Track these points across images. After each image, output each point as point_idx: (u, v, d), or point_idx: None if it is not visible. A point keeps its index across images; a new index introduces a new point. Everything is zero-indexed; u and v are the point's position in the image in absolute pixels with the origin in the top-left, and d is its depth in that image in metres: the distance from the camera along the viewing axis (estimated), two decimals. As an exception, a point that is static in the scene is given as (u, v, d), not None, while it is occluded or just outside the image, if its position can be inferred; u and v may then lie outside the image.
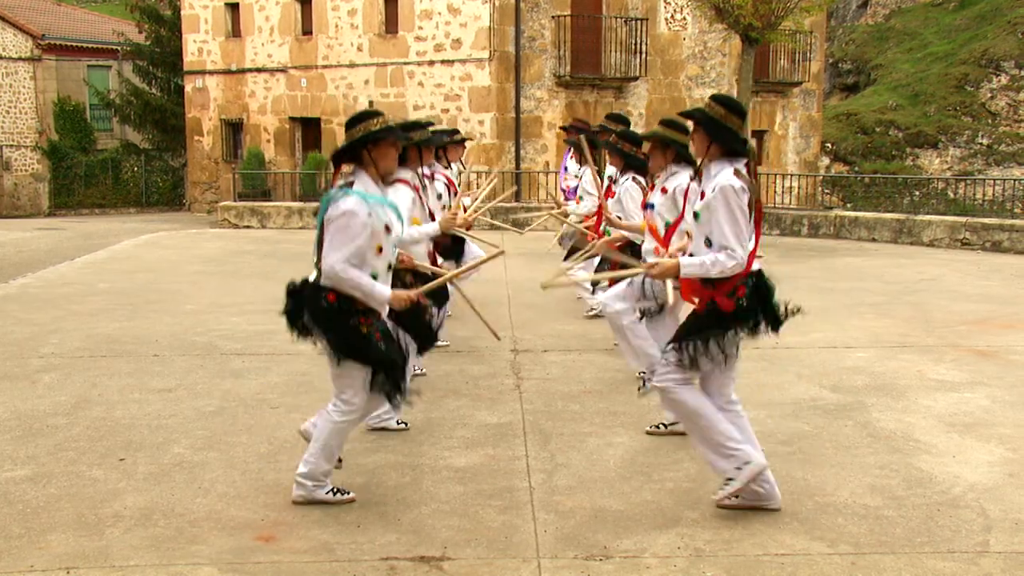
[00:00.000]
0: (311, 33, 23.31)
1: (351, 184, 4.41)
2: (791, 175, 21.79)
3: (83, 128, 31.79)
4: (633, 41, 21.18)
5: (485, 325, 5.30)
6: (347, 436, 4.75)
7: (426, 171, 6.64)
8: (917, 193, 21.68)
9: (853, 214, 16.98)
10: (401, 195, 5.51)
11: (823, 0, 15.86)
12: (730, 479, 4.42)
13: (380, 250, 4.42)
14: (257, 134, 24.77)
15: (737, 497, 4.46)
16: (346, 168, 4.55)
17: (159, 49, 28.21)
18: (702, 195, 4.43)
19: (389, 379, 4.48)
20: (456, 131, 9.54)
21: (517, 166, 20.31)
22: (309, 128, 24.00)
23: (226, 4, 24.83)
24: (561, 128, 9.05)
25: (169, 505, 4.59)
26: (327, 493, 4.59)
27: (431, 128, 7.11)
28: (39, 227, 22.77)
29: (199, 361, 7.49)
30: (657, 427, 5.72)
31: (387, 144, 4.45)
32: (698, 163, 4.53)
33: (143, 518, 4.43)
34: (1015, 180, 21.70)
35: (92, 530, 4.30)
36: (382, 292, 4.42)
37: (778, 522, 4.40)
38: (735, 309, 4.41)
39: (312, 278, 4.46)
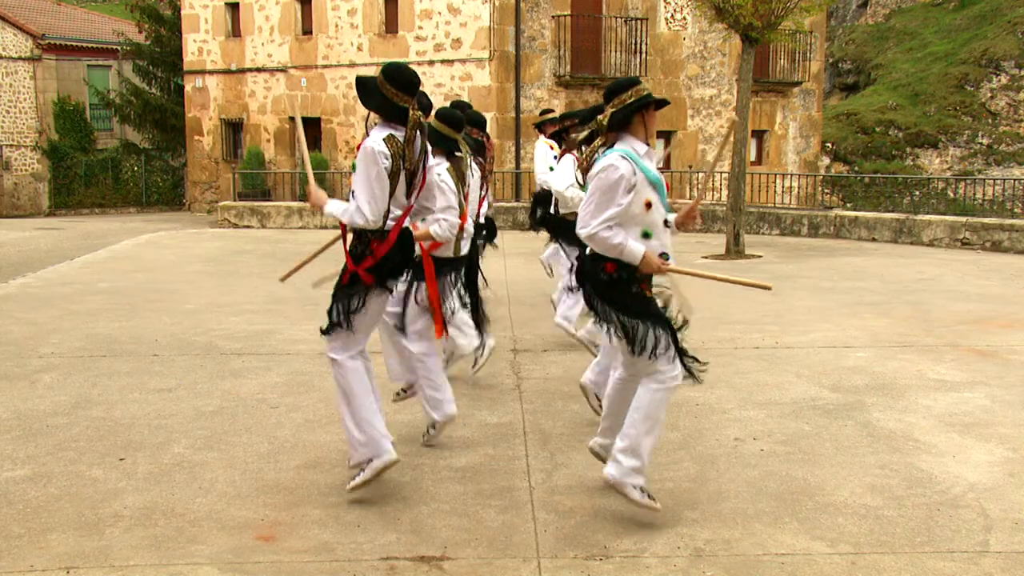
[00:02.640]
0: (311, 33, 23.32)
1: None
2: (791, 175, 21.81)
3: (83, 128, 31.79)
4: (633, 41, 21.19)
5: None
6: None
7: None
8: (917, 193, 21.69)
9: (853, 214, 16.98)
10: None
11: (823, 0, 15.84)
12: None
13: (649, 205, 4.31)
14: (257, 134, 24.77)
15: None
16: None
17: (159, 49, 28.21)
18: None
19: (675, 341, 4.36)
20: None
21: (517, 166, 20.32)
22: (309, 128, 24.00)
23: (226, 4, 24.84)
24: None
25: (169, 505, 4.59)
26: (636, 491, 4.30)
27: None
28: (39, 227, 22.77)
29: (199, 361, 7.49)
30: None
31: (652, 109, 4.42)
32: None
33: (143, 518, 4.43)
34: (1015, 180, 21.71)
35: (92, 530, 4.30)
36: (635, 250, 4.26)
37: (778, 522, 4.40)
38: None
39: (588, 250, 4.41)
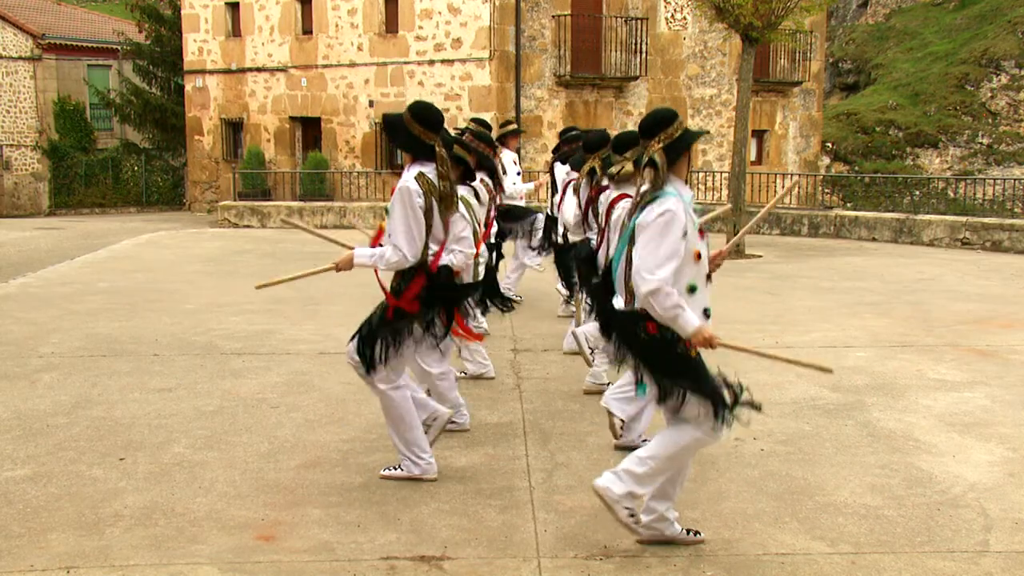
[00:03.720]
0: (311, 32, 23.31)
1: (661, 187, 3.94)
2: (791, 174, 21.80)
3: (83, 127, 31.79)
4: (633, 41, 21.18)
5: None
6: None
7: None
8: (917, 193, 21.69)
9: (853, 214, 16.97)
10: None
11: (823, 0, 15.83)
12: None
13: (698, 257, 3.94)
14: (257, 133, 24.77)
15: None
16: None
17: (159, 48, 28.20)
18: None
19: (722, 403, 3.97)
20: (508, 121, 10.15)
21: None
22: (309, 128, 24.00)
23: (226, 3, 24.83)
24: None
25: (169, 504, 4.59)
26: (625, 511, 4.01)
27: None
28: (39, 226, 22.77)
29: (199, 360, 7.49)
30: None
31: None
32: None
33: (143, 517, 4.43)
34: (1015, 180, 21.70)
35: (92, 529, 4.30)
36: (689, 322, 3.83)
37: (778, 522, 4.40)
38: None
39: (620, 303, 4.05)
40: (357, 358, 4.76)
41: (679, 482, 4.14)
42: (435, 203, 4.65)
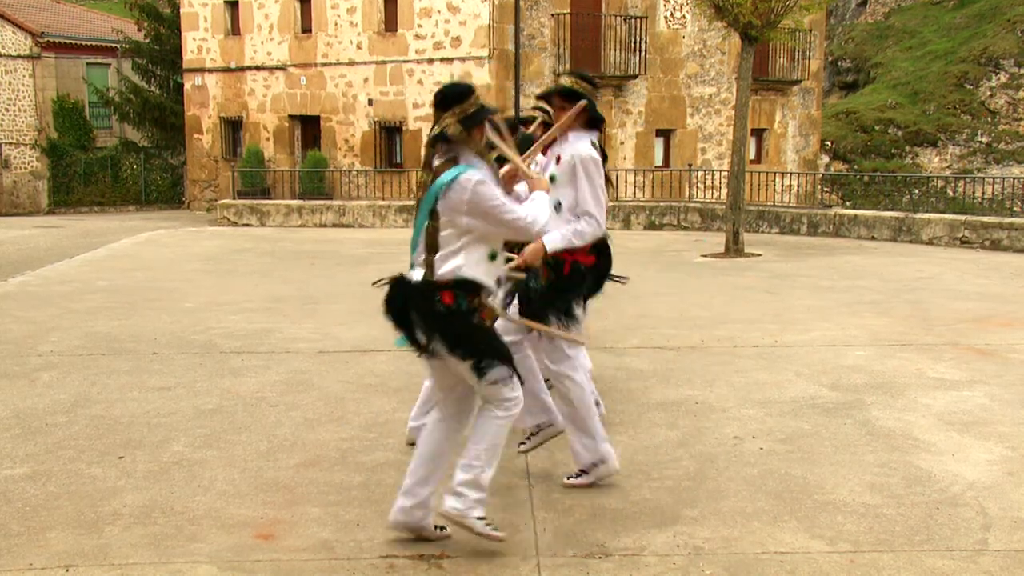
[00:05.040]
0: (310, 31, 23.31)
1: (456, 160, 3.95)
2: (790, 173, 21.81)
3: (82, 126, 31.78)
4: (632, 39, 21.19)
5: None
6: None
7: None
8: (916, 191, 21.68)
9: (852, 212, 16.98)
10: None
11: (822, -2, 15.85)
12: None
13: None
14: (256, 132, 24.76)
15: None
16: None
17: (158, 47, 28.20)
18: (557, 159, 4.71)
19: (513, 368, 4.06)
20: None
21: (516, 164, 20.30)
22: (308, 126, 24.00)
23: (225, 2, 24.83)
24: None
25: (168, 503, 4.59)
26: (481, 522, 4.01)
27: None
28: (38, 225, 22.76)
29: (198, 359, 7.49)
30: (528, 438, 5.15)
31: (484, 124, 4.12)
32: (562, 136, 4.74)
33: (142, 516, 4.43)
34: (1014, 178, 21.73)
35: (91, 528, 4.29)
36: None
37: (777, 520, 4.40)
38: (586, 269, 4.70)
39: (418, 277, 3.99)
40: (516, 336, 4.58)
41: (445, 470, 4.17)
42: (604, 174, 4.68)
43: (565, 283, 4.67)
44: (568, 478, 4.83)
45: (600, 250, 4.77)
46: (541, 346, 4.80)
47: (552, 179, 4.60)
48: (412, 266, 4.05)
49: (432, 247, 3.95)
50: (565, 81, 4.80)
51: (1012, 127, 30.87)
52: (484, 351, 3.96)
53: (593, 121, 4.75)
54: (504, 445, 4.12)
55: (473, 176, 3.86)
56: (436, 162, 4.00)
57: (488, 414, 4.04)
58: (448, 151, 3.97)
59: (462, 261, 3.92)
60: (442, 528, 4.18)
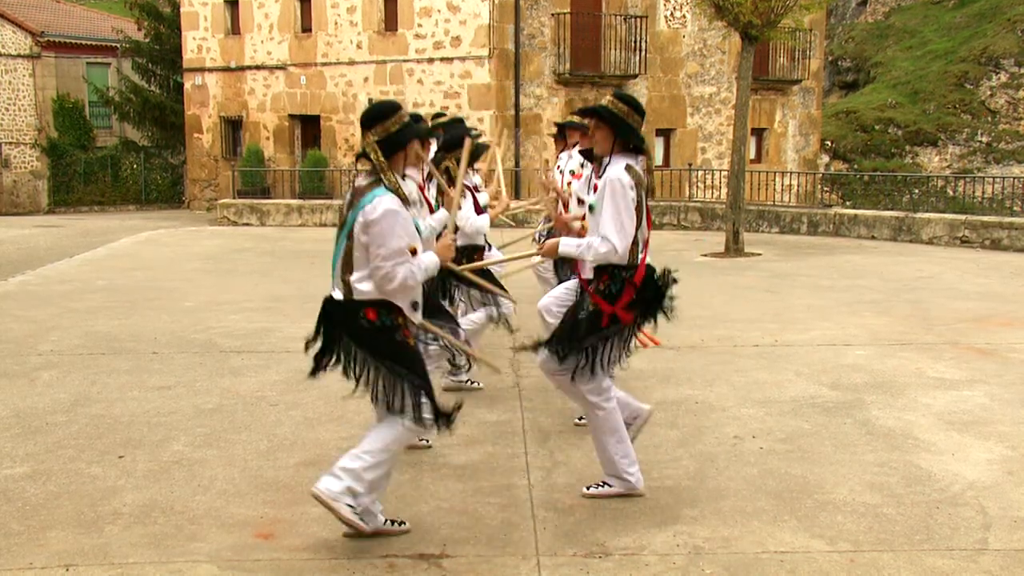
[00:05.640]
0: (310, 30, 23.29)
1: (379, 182, 4.00)
2: (790, 173, 21.80)
3: (82, 125, 31.75)
4: (633, 39, 21.18)
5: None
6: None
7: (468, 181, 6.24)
8: (916, 191, 21.67)
9: (852, 212, 16.97)
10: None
11: (822, -2, 15.85)
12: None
13: (414, 252, 4.06)
14: (256, 131, 24.76)
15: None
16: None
17: (158, 46, 28.18)
18: (595, 188, 4.61)
19: (430, 398, 4.14)
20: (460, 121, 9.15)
21: (516, 164, 20.31)
22: (308, 126, 23.99)
23: (225, 1, 24.81)
24: (556, 124, 8.88)
25: (168, 502, 4.59)
26: (348, 508, 4.04)
27: (441, 120, 7.08)
28: (38, 224, 22.76)
29: (198, 359, 7.49)
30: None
31: (414, 143, 4.23)
32: (601, 159, 4.62)
33: (142, 515, 4.43)
34: (1014, 178, 21.72)
35: (91, 527, 4.29)
36: (431, 259, 4.12)
37: (777, 520, 4.40)
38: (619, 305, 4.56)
39: (339, 296, 4.07)
40: (557, 366, 4.59)
41: (388, 475, 4.21)
42: (644, 197, 4.48)
43: (599, 327, 4.55)
44: (589, 488, 4.74)
45: (641, 301, 4.59)
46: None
47: (591, 208, 4.57)
48: (332, 286, 4.13)
49: (348, 267, 4.02)
50: (605, 100, 4.61)
51: (1012, 127, 30.86)
52: (405, 371, 4.03)
53: (630, 144, 4.53)
54: (399, 453, 4.23)
55: (381, 205, 3.89)
56: (361, 182, 4.05)
57: (396, 421, 4.09)
58: (372, 171, 4.02)
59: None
60: (401, 523, 4.29)
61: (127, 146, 31.03)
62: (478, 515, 4.46)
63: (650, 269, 4.62)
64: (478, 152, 6.14)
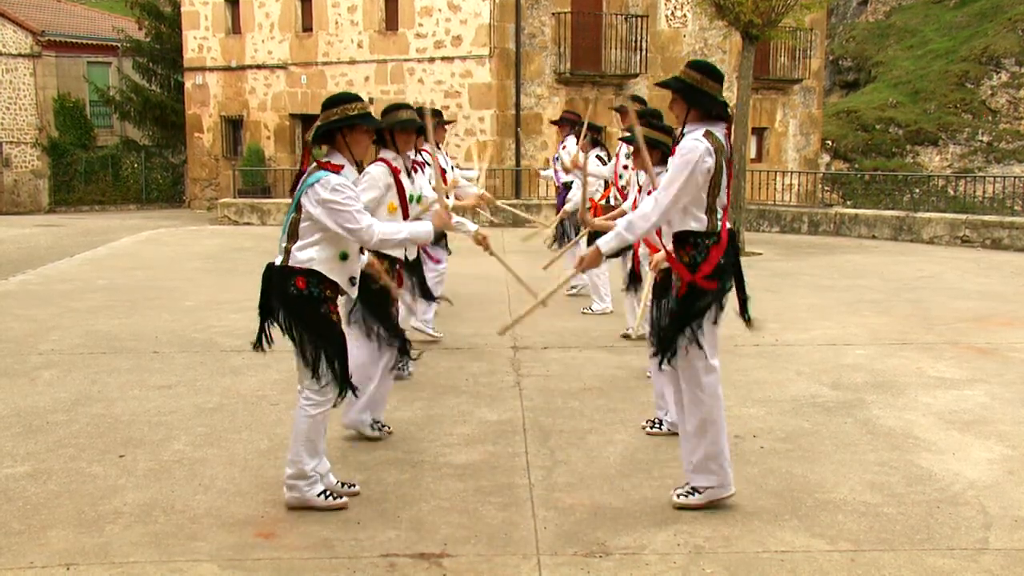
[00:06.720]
0: (311, 30, 23.30)
1: (329, 165, 4.33)
2: (791, 172, 21.80)
3: (83, 125, 31.75)
4: (633, 38, 21.18)
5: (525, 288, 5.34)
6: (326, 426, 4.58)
7: (418, 157, 6.23)
8: (917, 190, 21.67)
9: (853, 211, 16.97)
10: (375, 174, 5.28)
11: (823, -3, 15.85)
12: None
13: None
14: (257, 131, 24.76)
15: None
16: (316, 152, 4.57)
17: (159, 46, 28.18)
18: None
19: (343, 370, 4.40)
20: (438, 112, 9.12)
21: (517, 163, 20.32)
22: (309, 125, 23.94)
23: (226, 1, 24.82)
24: (552, 122, 9.04)
25: (169, 502, 4.59)
26: (320, 496, 4.46)
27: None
28: (39, 224, 22.76)
29: (198, 358, 7.49)
30: (653, 424, 5.69)
31: (360, 131, 4.47)
32: (680, 131, 4.58)
33: (143, 514, 4.43)
34: (1015, 177, 21.71)
35: (92, 526, 4.30)
36: (426, 228, 4.43)
37: (778, 519, 4.40)
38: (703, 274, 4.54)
39: (278, 263, 4.37)
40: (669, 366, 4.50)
41: (322, 435, 4.52)
42: (723, 164, 4.38)
43: (683, 306, 4.49)
44: (679, 496, 4.56)
45: (724, 269, 4.57)
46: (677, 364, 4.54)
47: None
48: (278, 252, 4.43)
49: (292, 236, 4.34)
50: (680, 70, 4.55)
51: (1013, 126, 30.84)
52: (322, 341, 4.32)
53: (712, 112, 4.40)
54: (323, 434, 4.49)
55: (332, 180, 4.21)
56: (315, 160, 4.38)
57: (299, 412, 4.43)
58: (328, 152, 4.43)
59: (315, 254, 4.30)
60: (351, 485, 4.69)
61: (128, 145, 31.03)
62: (479, 514, 4.46)
63: (731, 235, 4.58)
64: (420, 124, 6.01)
